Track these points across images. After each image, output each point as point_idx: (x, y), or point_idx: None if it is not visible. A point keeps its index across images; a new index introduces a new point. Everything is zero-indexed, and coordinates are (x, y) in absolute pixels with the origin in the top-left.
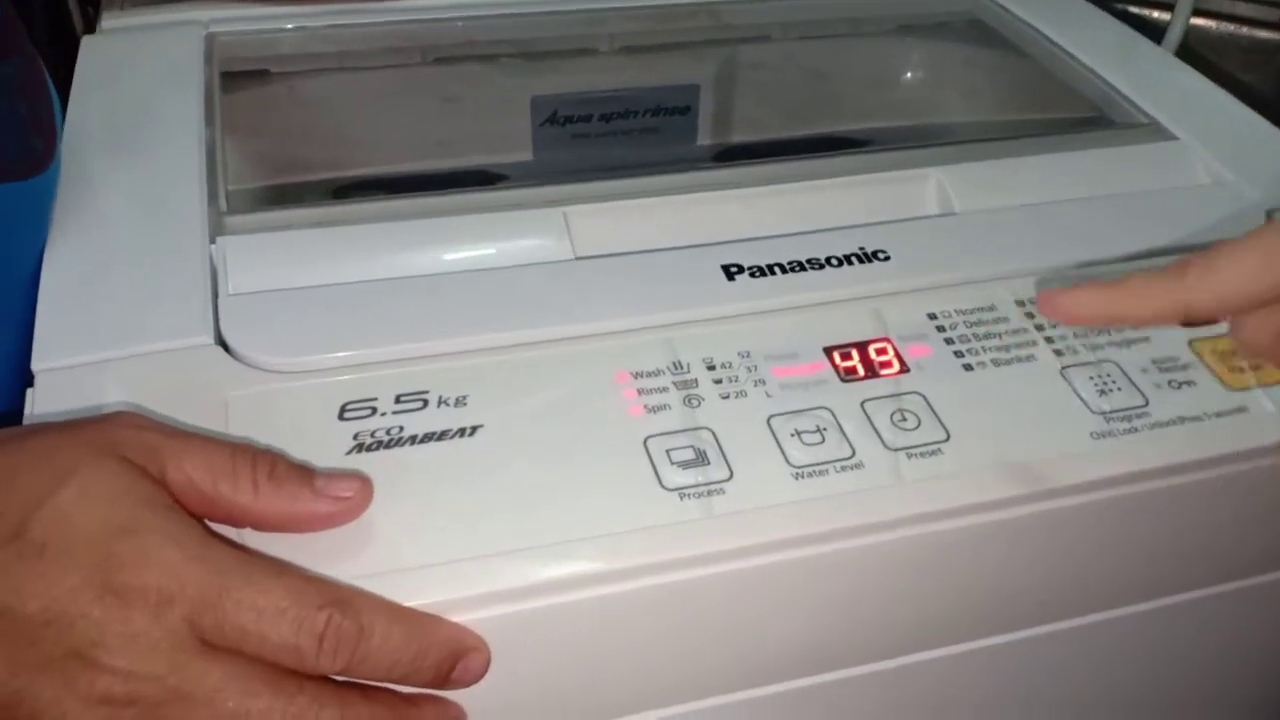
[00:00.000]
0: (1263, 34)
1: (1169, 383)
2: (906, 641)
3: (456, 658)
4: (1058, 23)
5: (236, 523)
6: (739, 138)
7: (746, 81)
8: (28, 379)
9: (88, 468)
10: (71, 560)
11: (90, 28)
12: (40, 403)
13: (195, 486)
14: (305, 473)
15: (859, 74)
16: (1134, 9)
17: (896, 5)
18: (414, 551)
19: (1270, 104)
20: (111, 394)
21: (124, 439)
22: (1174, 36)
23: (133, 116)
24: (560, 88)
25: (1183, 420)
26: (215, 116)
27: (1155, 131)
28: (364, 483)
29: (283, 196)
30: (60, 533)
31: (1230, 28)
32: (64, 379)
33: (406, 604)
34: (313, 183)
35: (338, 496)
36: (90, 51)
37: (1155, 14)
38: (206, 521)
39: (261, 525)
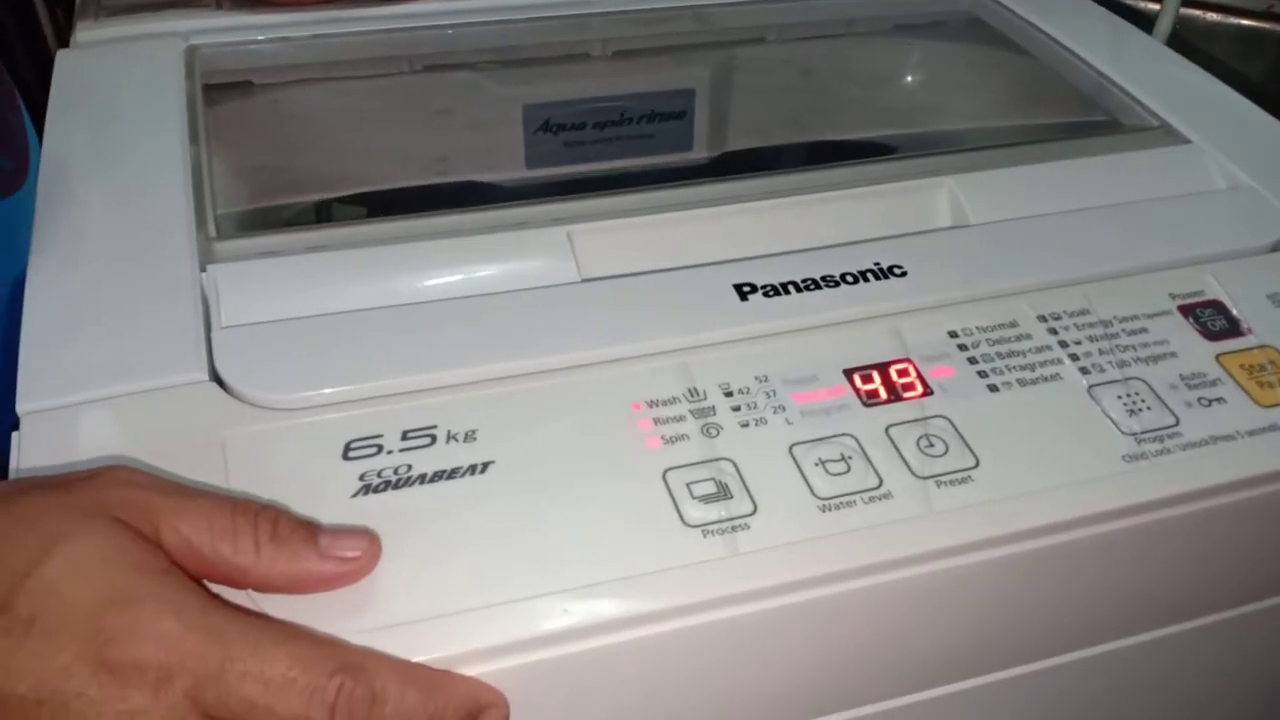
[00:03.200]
0: (1249, 23)
1: (1199, 400)
2: (940, 673)
3: (473, 715)
4: (1056, 18)
5: (237, 584)
6: (736, 143)
7: (743, 85)
8: (13, 422)
9: (77, 533)
10: (62, 636)
11: (64, 40)
12: (26, 448)
13: (193, 548)
14: (309, 530)
15: (858, 76)
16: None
17: (893, 4)
18: (425, 602)
19: (1261, 93)
20: (102, 437)
21: (115, 499)
22: (1164, 26)
23: (114, 136)
24: (553, 95)
25: (1215, 440)
26: (200, 134)
27: (1167, 135)
28: (371, 539)
29: (273, 217)
30: (49, 606)
31: (1216, 17)
32: (51, 421)
33: (418, 659)
34: (303, 201)
35: (343, 557)
36: (66, 66)
37: (1143, 3)
38: (206, 582)
39: (263, 587)
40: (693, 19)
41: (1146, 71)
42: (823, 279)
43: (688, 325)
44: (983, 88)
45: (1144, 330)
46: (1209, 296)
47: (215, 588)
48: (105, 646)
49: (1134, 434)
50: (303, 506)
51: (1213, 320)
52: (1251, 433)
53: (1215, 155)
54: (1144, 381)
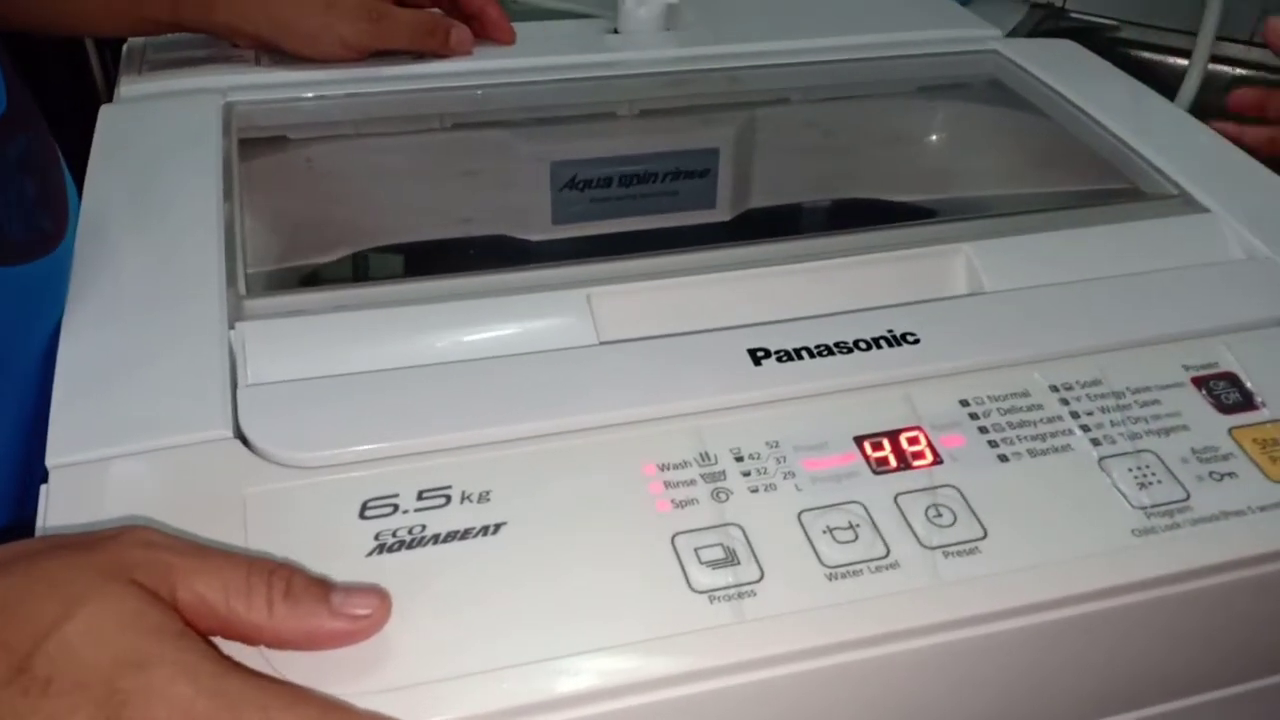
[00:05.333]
0: (1276, 78)
1: (1210, 474)
2: None
3: None
4: (1077, 83)
5: (251, 641)
6: (759, 201)
7: (766, 145)
8: (42, 475)
9: (96, 596)
10: (78, 697)
11: (111, 87)
12: (54, 501)
13: (208, 605)
14: (322, 589)
15: (879, 137)
16: (1148, 55)
17: (915, 67)
18: (433, 664)
19: None
20: (127, 492)
21: (135, 560)
22: (1187, 94)
23: (151, 191)
24: (579, 153)
25: (1226, 515)
26: (234, 190)
27: (1185, 203)
28: (382, 598)
29: (302, 272)
30: (66, 667)
31: (1241, 73)
32: (78, 475)
33: None
34: (331, 256)
35: (354, 615)
36: (109, 121)
37: (1171, 60)
38: (220, 639)
39: (277, 644)
40: (718, 80)
41: (1166, 138)
42: (836, 345)
43: (701, 389)
44: (1002, 151)
45: (1156, 402)
46: (1223, 369)
47: (229, 645)
48: (120, 709)
49: (1144, 508)
50: (318, 564)
51: (1226, 393)
52: (1263, 508)
53: (1233, 225)
54: (1155, 454)
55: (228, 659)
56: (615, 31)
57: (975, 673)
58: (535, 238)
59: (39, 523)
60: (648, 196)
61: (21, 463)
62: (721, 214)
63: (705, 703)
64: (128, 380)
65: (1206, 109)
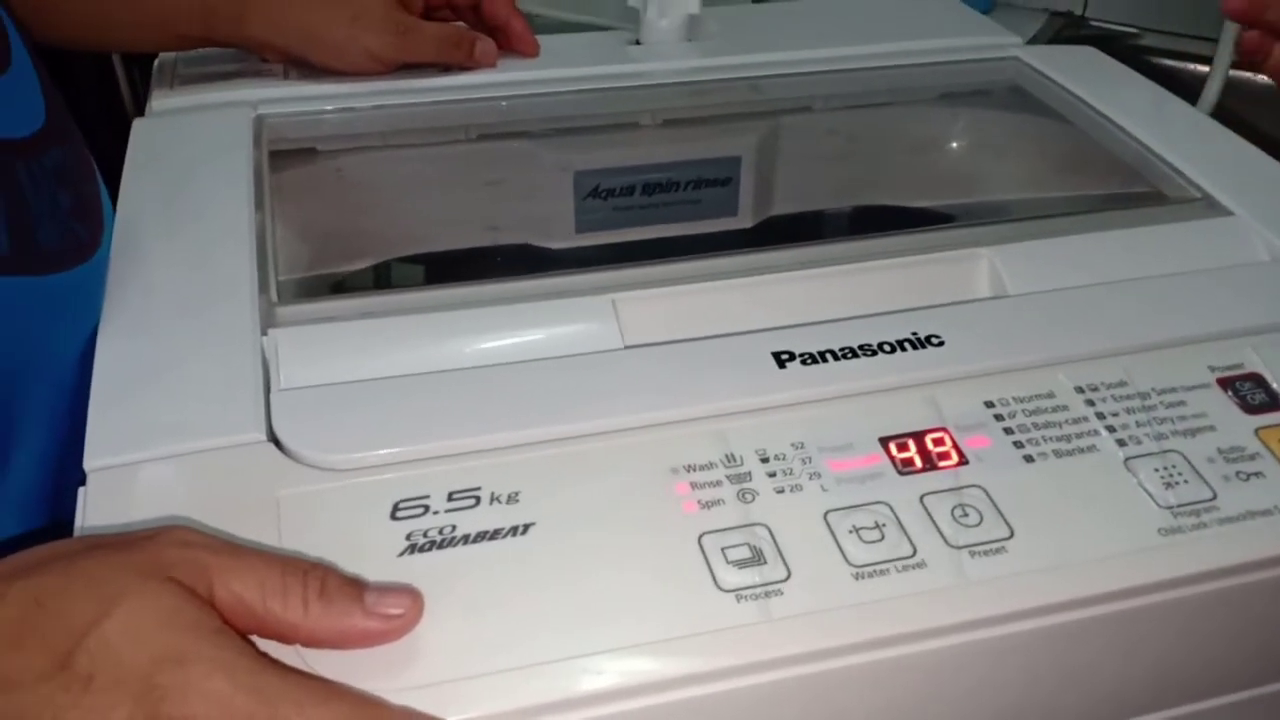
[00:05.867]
0: None
1: (1237, 474)
2: None
3: None
4: (1099, 89)
5: (286, 640)
6: (781, 209)
7: (788, 153)
8: (79, 478)
9: (134, 594)
10: (118, 693)
11: (141, 108)
12: (93, 502)
13: (245, 604)
14: (355, 589)
15: (901, 144)
16: (1169, 62)
17: (936, 75)
18: (464, 662)
19: None
20: (163, 494)
21: (173, 559)
22: (1210, 97)
23: (184, 201)
24: (602, 162)
25: (1252, 515)
26: (265, 201)
27: (1209, 207)
28: (414, 598)
29: (332, 280)
30: (106, 664)
31: (1267, 80)
32: (116, 478)
33: (455, 719)
34: (359, 265)
35: (387, 614)
36: (141, 135)
37: (1192, 67)
38: (255, 638)
39: (311, 643)
40: (739, 89)
41: (1189, 143)
42: (860, 348)
43: (726, 392)
44: (1024, 157)
45: (1182, 403)
46: (1249, 370)
47: (264, 644)
48: (159, 704)
49: (1170, 507)
50: (351, 564)
51: (1252, 394)
52: None
53: (1258, 228)
54: (1181, 454)
55: (264, 655)
56: (637, 43)
57: (1002, 672)
58: (559, 246)
59: (77, 523)
60: (670, 205)
61: (57, 465)
62: (743, 222)
63: (733, 701)
64: (163, 385)
65: (1228, 116)
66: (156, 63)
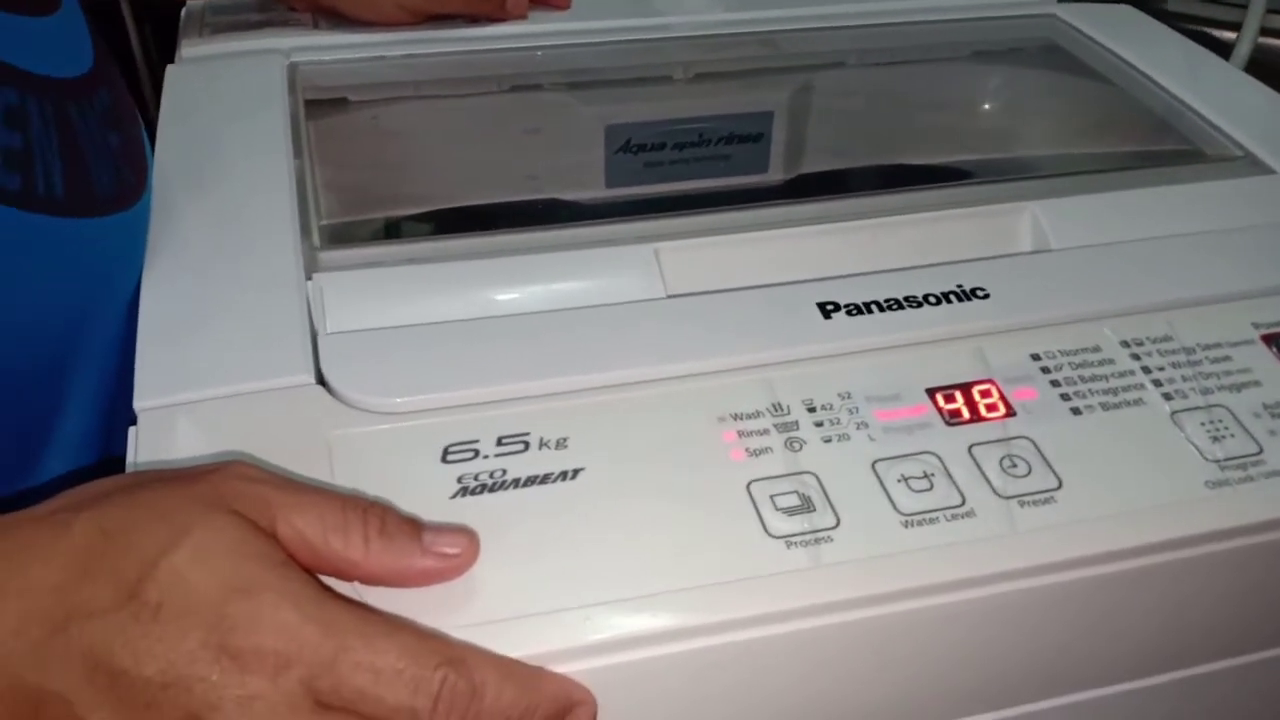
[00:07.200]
0: None
1: None
2: (1016, 692)
3: (564, 712)
4: (1133, 45)
5: (345, 576)
6: (812, 166)
7: (820, 109)
8: (130, 417)
9: (201, 525)
10: (188, 622)
11: (150, 58)
12: (143, 442)
13: (306, 541)
14: (414, 527)
15: (935, 101)
16: (1196, 28)
17: (971, 31)
18: (520, 601)
19: None
20: (213, 434)
21: (236, 492)
22: (1242, 53)
23: (221, 147)
24: (634, 116)
25: None
26: (303, 147)
27: (1251, 164)
28: (471, 538)
29: (369, 229)
30: (176, 593)
31: None
32: (166, 418)
33: (512, 655)
34: (397, 212)
35: (444, 554)
36: (175, 81)
37: (1218, 33)
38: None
39: (370, 580)
40: (772, 43)
41: (1227, 99)
42: (905, 299)
43: (772, 341)
44: (1061, 114)
45: (1227, 358)
46: None
47: (324, 580)
48: (228, 634)
49: (1217, 460)
50: (404, 505)
51: None
52: None
53: None
54: (1227, 409)
55: (328, 588)
56: None
57: (1049, 621)
58: (590, 199)
59: (129, 460)
60: (701, 160)
61: (108, 406)
62: (775, 178)
63: (784, 645)
64: (208, 328)
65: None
66: (185, 10)
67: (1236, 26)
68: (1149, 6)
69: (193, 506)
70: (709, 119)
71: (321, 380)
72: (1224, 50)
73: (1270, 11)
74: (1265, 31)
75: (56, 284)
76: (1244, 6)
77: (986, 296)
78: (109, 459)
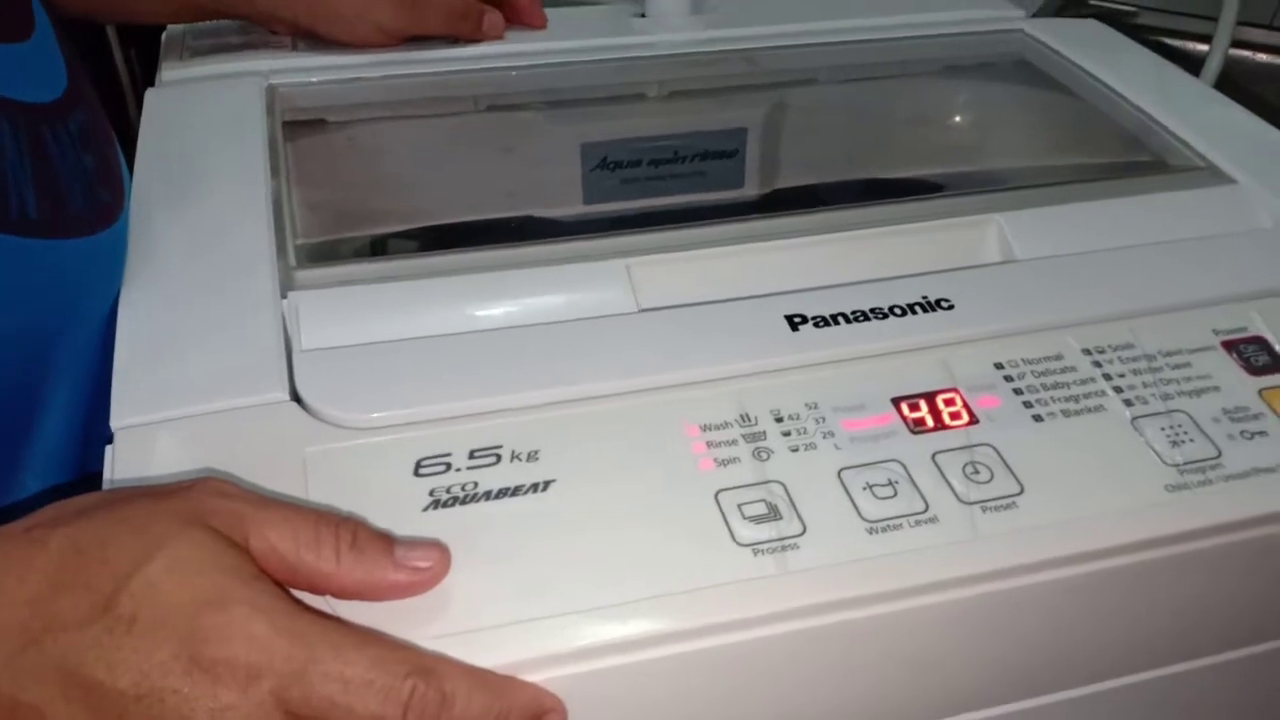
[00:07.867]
0: None
1: (1241, 433)
2: (981, 696)
3: (535, 719)
4: (1103, 61)
5: (318, 590)
6: (786, 181)
7: (794, 125)
8: (105, 436)
9: (176, 539)
10: (162, 634)
11: (135, 85)
12: (120, 460)
13: (279, 554)
14: (385, 542)
15: (907, 116)
16: (1169, 41)
17: (942, 47)
18: (490, 611)
19: None
20: (191, 452)
21: (210, 508)
22: (1212, 68)
23: (199, 169)
24: (609, 134)
25: (1256, 471)
26: (280, 168)
27: (1213, 175)
28: (442, 552)
29: (346, 247)
30: (149, 606)
31: (1265, 58)
32: (142, 436)
33: (483, 664)
34: (373, 231)
35: (416, 567)
36: (155, 104)
37: (1191, 45)
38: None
39: (341, 594)
40: (746, 61)
41: (1192, 113)
42: (872, 311)
43: (740, 354)
44: (1029, 128)
45: (1187, 364)
46: (1252, 332)
47: (296, 594)
48: (201, 645)
49: (1176, 465)
50: (377, 519)
51: (1256, 356)
52: None
53: (1261, 195)
54: (1187, 414)
55: (300, 602)
56: (643, 15)
57: (1012, 625)
58: (567, 217)
59: (106, 478)
60: (677, 177)
61: (84, 425)
62: (749, 194)
63: (750, 651)
64: (185, 347)
65: (1227, 91)
66: (165, 34)
67: (1207, 39)
68: (1119, 21)
69: (168, 521)
70: (684, 136)
71: (296, 397)
72: (1195, 63)
73: (1240, 24)
74: (1236, 44)
75: (30, 304)
76: (1214, 20)
77: (951, 307)
78: (87, 475)
